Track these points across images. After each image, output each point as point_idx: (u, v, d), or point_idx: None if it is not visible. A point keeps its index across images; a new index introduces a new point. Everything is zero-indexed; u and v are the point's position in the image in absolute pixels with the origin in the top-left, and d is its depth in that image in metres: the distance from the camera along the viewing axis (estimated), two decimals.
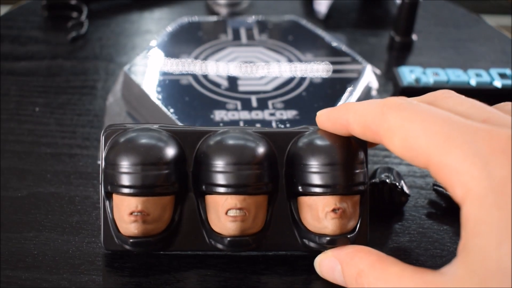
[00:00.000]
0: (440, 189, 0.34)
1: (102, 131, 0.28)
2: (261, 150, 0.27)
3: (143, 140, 0.27)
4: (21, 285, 0.28)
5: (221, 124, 0.37)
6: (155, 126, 0.28)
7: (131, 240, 0.26)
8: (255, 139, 0.28)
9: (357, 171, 0.27)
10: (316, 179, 0.26)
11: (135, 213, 0.26)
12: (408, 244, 0.31)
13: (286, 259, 0.30)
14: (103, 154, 0.28)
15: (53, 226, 0.31)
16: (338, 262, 0.26)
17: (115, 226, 0.27)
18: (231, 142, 0.27)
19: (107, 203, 0.28)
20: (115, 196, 0.27)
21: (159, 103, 0.38)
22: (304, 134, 0.28)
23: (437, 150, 0.21)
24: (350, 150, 0.27)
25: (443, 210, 0.34)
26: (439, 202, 0.34)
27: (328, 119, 0.27)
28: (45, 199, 0.33)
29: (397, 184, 0.32)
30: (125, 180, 0.26)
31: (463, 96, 0.24)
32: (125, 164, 0.26)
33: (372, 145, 0.29)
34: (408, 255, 0.31)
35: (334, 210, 0.26)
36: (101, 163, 0.28)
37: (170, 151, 0.27)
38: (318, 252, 0.28)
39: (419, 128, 0.22)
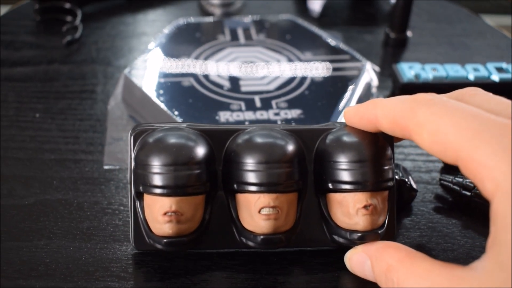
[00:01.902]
0: (447, 183, 0.34)
1: (130, 131, 0.28)
2: (291, 147, 0.27)
3: (174, 140, 0.27)
4: None
5: None
6: (184, 125, 0.28)
7: (165, 240, 0.26)
8: (284, 136, 0.28)
9: (386, 167, 0.27)
10: (346, 176, 0.27)
11: (169, 213, 0.26)
12: (419, 239, 0.31)
13: (302, 259, 0.30)
14: (132, 154, 0.28)
15: (64, 233, 0.31)
16: (368, 257, 0.26)
17: (147, 226, 0.27)
18: (261, 140, 0.27)
19: (137, 203, 0.28)
20: (146, 196, 0.27)
21: (162, 105, 0.38)
22: (332, 131, 0.29)
23: (466, 145, 0.21)
24: (379, 146, 0.27)
25: (451, 205, 0.34)
26: (446, 197, 0.35)
27: (356, 114, 0.27)
28: (53, 206, 0.33)
29: (405, 180, 0.33)
30: (158, 180, 0.26)
31: (490, 93, 0.25)
32: (157, 165, 0.26)
33: (397, 140, 0.29)
34: (419, 250, 0.30)
35: (365, 207, 0.26)
36: (130, 163, 0.28)
37: (201, 150, 0.27)
38: (347, 248, 0.28)
39: (449, 123, 0.22)
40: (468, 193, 0.33)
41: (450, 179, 0.34)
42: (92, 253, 0.30)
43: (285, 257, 0.30)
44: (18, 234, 0.31)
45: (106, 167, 0.36)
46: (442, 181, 0.35)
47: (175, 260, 0.29)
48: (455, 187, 0.34)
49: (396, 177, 0.33)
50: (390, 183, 0.28)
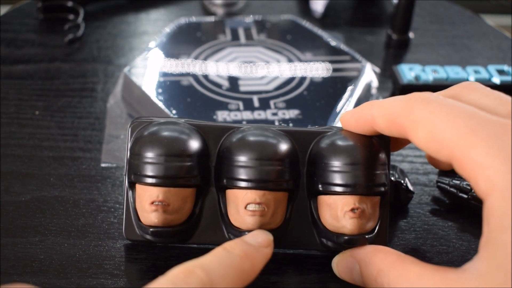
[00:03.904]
0: (444, 186, 0.34)
1: (129, 124, 0.29)
2: (283, 147, 0.27)
3: (167, 133, 0.27)
4: None
5: None
6: (182, 121, 0.29)
7: (151, 230, 0.27)
8: (278, 136, 0.28)
9: (378, 172, 0.27)
10: (336, 178, 0.26)
11: (156, 203, 0.26)
12: (414, 241, 0.31)
13: (296, 259, 0.30)
14: (128, 145, 0.28)
15: (59, 230, 0.31)
16: (357, 262, 0.26)
17: (136, 215, 0.28)
18: (253, 138, 0.27)
19: (130, 193, 0.28)
20: (138, 186, 0.28)
21: (161, 104, 0.38)
22: (327, 134, 0.28)
23: (461, 143, 0.21)
24: (372, 151, 0.27)
25: (447, 207, 0.34)
26: (443, 199, 0.34)
27: (352, 117, 0.27)
28: (50, 203, 0.33)
29: (402, 181, 0.32)
30: (148, 170, 0.26)
31: (488, 88, 0.24)
32: (148, 155, 0.27)
33: (395, 148, 0.29)
34: (414, 252, 0.31)
35: (353, 210, 0.26)
36: (127, 154, 0.28)
37: (194, 145, 0.27)
38: (336, 252, 0.28)
39: (444, 121, 0.22)
40: (465, 196, 0.33)
41: (447, 182, 0.34)
42: (86, 250, 0.30)
43: (280, 257, 0.30)
44: (14, 230, 0.31)
45: (103, 165, 0.36)
46: (439, 183, 0.34)
47: (169, 259, 0.29)
48: (452, 189, 0.34)
49: (392, 178, 0.32)
50: (382, 189, 0.27)
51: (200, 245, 0.29)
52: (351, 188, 0.26)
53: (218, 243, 0.29)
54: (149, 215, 0.27)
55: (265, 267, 0.29)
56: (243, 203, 0.27)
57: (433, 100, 0.23)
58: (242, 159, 0.27)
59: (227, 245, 0.23)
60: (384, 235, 0.28)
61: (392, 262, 0.24)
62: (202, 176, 0.28)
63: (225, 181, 0.27)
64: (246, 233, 0.27)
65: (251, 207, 0.26)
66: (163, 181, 0.26)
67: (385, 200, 0.28)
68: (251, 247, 0.23)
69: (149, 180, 0.26)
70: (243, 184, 0.27)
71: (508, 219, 0.20)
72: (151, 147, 0.27)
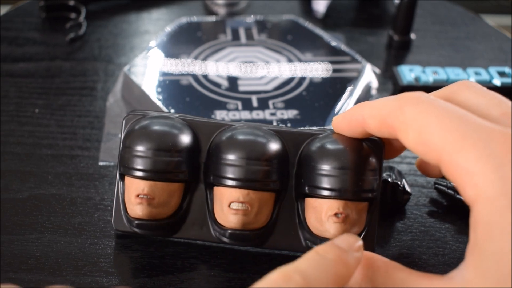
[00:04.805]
0: (441, 187, 0.34)
1: (124, 116, 0.29)
2: (271, 147, 0.27)
3: (158, 127, 0.28)
4: (24, 287, 0.28)
5: None
6: (176, 116, 0.29)
7: (136, 222, 0.27)
8: (268, 136, 0.28)
9: (366, 177, 0.26)
10: (322, 181, 0.26)
11: (141, 196, 0.27)
12: (410, 242, 0.31)
13: (289, 259, 0.29)
14: (121, 137, 0.29)
15: (55, 228, 0.31)
16: None
17: (124, 207, 0.28)
18: (242, 137, 0.27)
19: (120, 184, 0.29)
20: (126, 178, 0.28)
21: (159, 103, 0.38)
22: (319, 137, 0.28)
23: (450, 147, 0.21)
24: (362, 155, 0.26)
25: (445, 209, 0.34)
26: (441, 201, 0.34)
27: (344, 118, 0.27)
28: (47, 201, 0.33)
29: (399, 183, 0.32)
30: (136, 163, 0.27)
31: (484, 88, 0.24)
32: (137, 148, 0.27)
33: (392, 155, 0.29)
34: (410, 254, 0.31)
35: (336, 215, 0.26)
36: (119, 146, 0.29)
37: (183, 140, 0.28)
38: None
39: (434, 123, 0.22)
40: (463, 198, 0.33)
41: (445, 183, 0.34)
42: (82, 248, 0.30)
43: (274, 257, 0.30)
44: (11, 228, 0.31)
45: (101, 163, 0.36)
46: (437, 185, 0.34)
47: (164, 258, 0.29)
48: (449, 191, 0.33)
49: (389, 179, 0.32)
50: (370, 195, 0.27)
51: (186, 240, 0.30)
52: (336, 193, 0.26)
53: (204, 239, 0.29)
54: (135, 208, 0.27)
55: (247, 267, 0.29)
56: (227, 201, 0.27)
57: (424, 101, 0.23)
58: (229, 157, 0.27)
59: (320, 249, 0.22)
60: (372, 242, 0.28)
61: (377, 268, 0.23)
62: (190, 171, 0.28)
63: (212, 178, 0.28)
64: (229, 231, 0.27)
65: (234, 205, 0.27)
66: (149, 174, 0.27)
67: (373, 206, 0.28)
68: (344, 252, 0.22)
69: (136, 173, 0.27)
70: (228, 182, 0.27)
71: (494, 227, 0.20)
72: (140, 140, 0.27)
